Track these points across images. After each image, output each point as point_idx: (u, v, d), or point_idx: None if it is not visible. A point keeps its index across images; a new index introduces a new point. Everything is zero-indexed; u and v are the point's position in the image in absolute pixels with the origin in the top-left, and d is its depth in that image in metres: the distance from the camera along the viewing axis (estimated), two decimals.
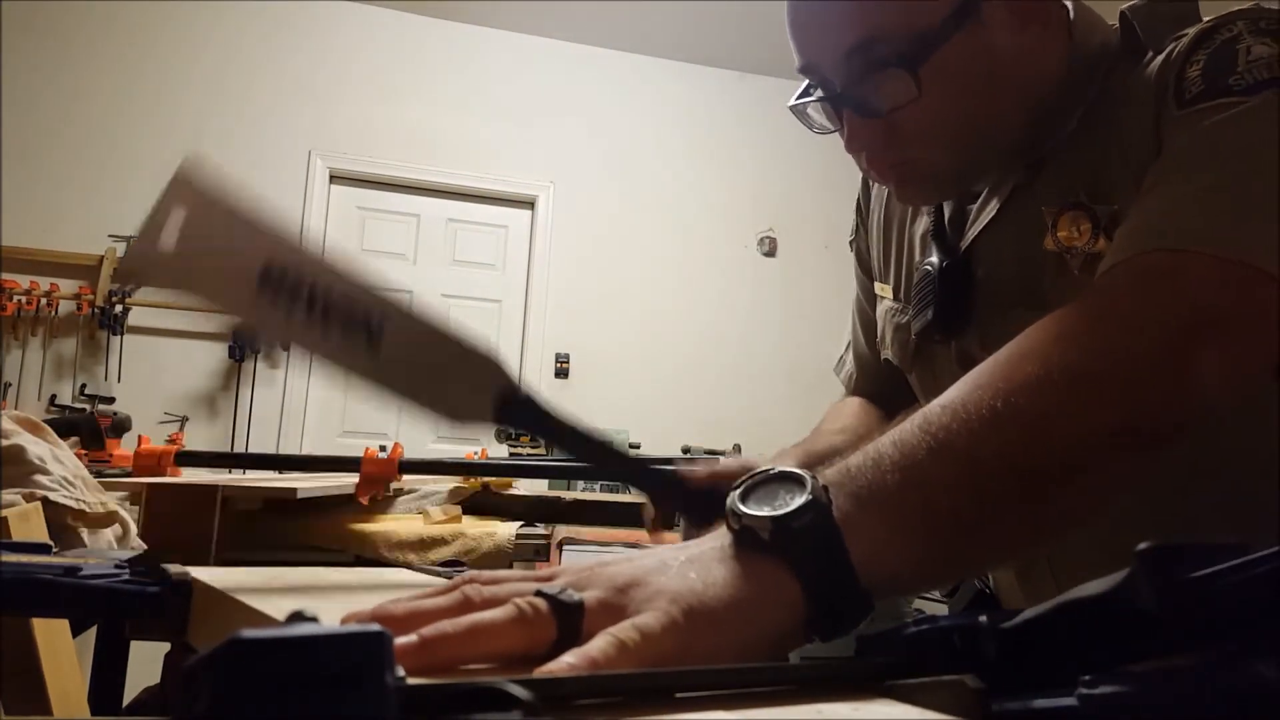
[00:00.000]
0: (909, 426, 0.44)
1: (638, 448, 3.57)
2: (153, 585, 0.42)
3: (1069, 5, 0.69)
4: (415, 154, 4.17)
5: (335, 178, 4.12)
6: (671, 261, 4.42)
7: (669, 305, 4.38)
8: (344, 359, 0.54)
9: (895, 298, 0.86)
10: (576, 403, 4.10)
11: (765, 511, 0.39)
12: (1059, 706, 0.26)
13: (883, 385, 0.93)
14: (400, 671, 0.24)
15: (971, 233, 0.74)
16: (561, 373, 4.21)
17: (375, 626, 0.21)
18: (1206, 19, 0.62)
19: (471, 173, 4.24)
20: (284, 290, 0.51)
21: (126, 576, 0.42)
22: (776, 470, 0.41)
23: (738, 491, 0.41)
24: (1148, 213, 0.56)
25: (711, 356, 4.37)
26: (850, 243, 0.96)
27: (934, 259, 0.75)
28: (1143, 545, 0.28)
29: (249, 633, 0.20)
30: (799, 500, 0.39)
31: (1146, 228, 0.54)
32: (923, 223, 0.81)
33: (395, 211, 4.20)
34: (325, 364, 0.54)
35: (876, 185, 0.91)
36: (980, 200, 0.74)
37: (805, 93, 0.71)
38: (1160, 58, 0.62)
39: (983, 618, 0.30)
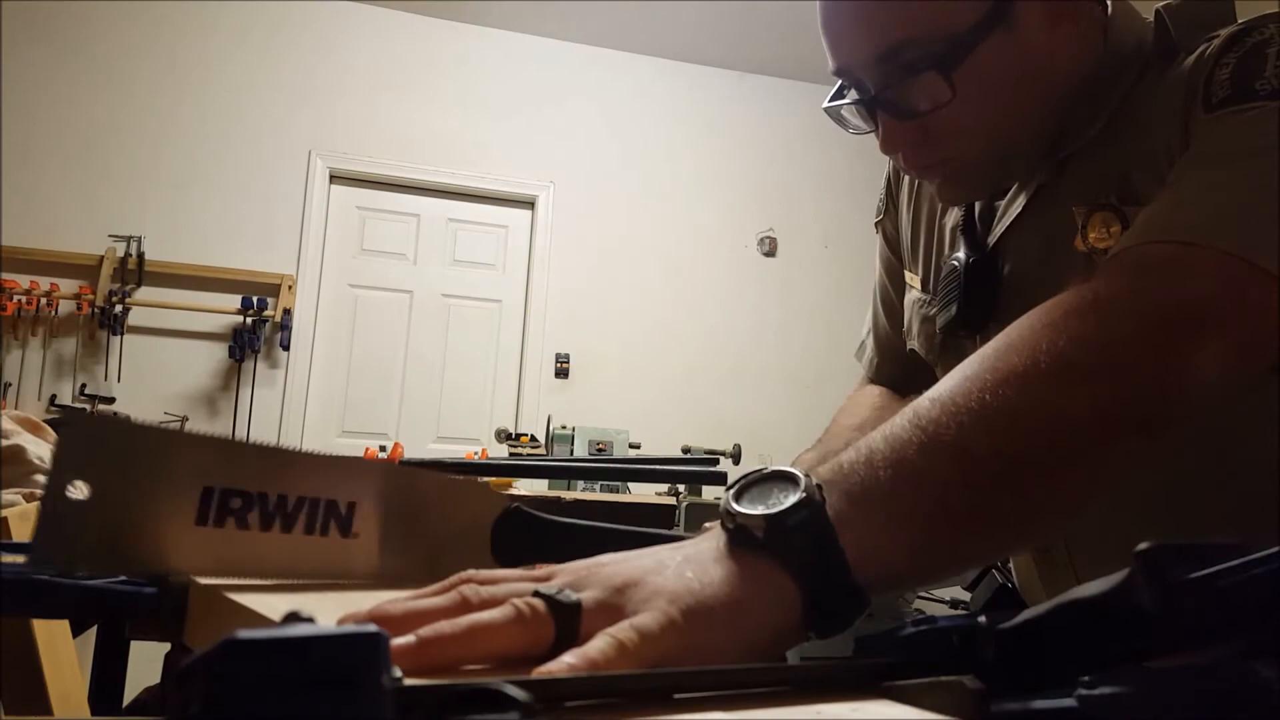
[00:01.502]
0: (900, 421, 0.44)
1: (638, 447, 3.57)
2: (148, 585, 0.41)
3: (1107, 3, 0.69)
4: (415, 154, 4.17)
5: (335, 178, 4.12)
6: (671, 261, 4.42)
7: (669, 305, 4.38)
8: (319, 567, 0.46)
9: (923, 289, 0.85)
10: (576, 403, 4.10)
11: (759, 510, 0.38)
12: (1058, 707, 0.26)
13: (905, 369, 0.92)
14: (397, 672, 0.24)
15: (999, 229, 0.75)
16: (561, 373, 4.21)
17: (371, 627, 0.21)
18: (1240, 21, 0.62)
19: (471, 173, 4.24)
20: (229, 515, 0.43)
21: (122, 576, 0.41)
22: (770, 469, 0.41)
23: (732, 491, 0.41)
24: (1155, 207, 0.56)
25: (711, 356, 4.37)
26: (876, 223, 0.96)
27: (961, 254, 0.76)
28: (1142, 545, 0.27)
29: (244, 633, 0.20)
30: (792, 498, 0.39)
31: (1150, 222, 0.55)
32: (953, 216, 0.81)
33: (395, 211, 4.20)
34: (297, 579, 0.46)
35: None
36: (1008, 196, 0.75)
37: (839, 94, 0.72)
38: (1191, 58, 0.62)
39: (981, 618, 0.30)
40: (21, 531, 1.05)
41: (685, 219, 4.47)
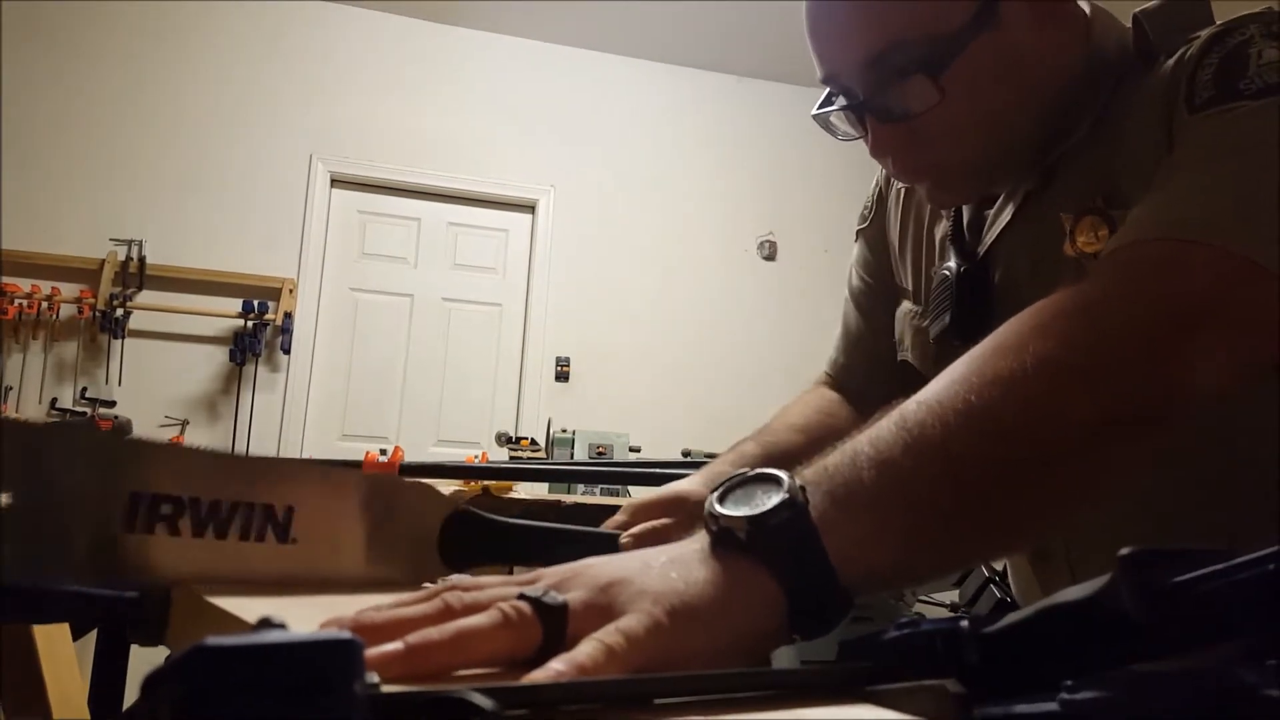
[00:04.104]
0: (885, 423, 0.44)
1: (638, 450, 3.57)
2: (129, 589, 0.41)
3: (1085, 7, 0.69)
4: (416, 158, 4.17)
5: (336, 181, 4.12)
6: (672, 265, 4.42)
7: (669, 308, 4.38)
8: (255, 574, 0.44)
9: (915, 300, 0.85)
10: (577, 406, 4.10)
11: (742, 511, 0.38)
12: (1041, 712, 0.26)
13: (866, 371, 0.91)
14: (374, 679, 0.24)
15: (989, 237, 0.74)
16: (562, 376, 4.21)
17: (345, 634, 0.21)
18: (1219, 22, 0.62)
19: (472, 177, 4.24)
20: (159, 521, 0.41)
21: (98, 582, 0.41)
22: (754, 472, 0.41)
23: (716, 493, 0.40)
24: (1145, 207, 0.55)
25: (712, 360, 4.36)
26: (858, 231, 0.95)
27: (951, 263, 0.76)
28: (1124, 550, 0.27)
29: (213, 641, 0.20)
30: (775, 499, 0.39)
31: (1140, 221, 0.54)
32: (943, 226, 0.81)
33: (396, 215, 4.21)
34: (229, 580, 0.43)
35: (897, 182, 0.90)
36: (997, 205, 0.74)
37: (827, 101, 0.72)
38: (1172, 61, 0.62)
39: (964, 622, 0.30)
40: None
41: (686, 222, 4.47)
